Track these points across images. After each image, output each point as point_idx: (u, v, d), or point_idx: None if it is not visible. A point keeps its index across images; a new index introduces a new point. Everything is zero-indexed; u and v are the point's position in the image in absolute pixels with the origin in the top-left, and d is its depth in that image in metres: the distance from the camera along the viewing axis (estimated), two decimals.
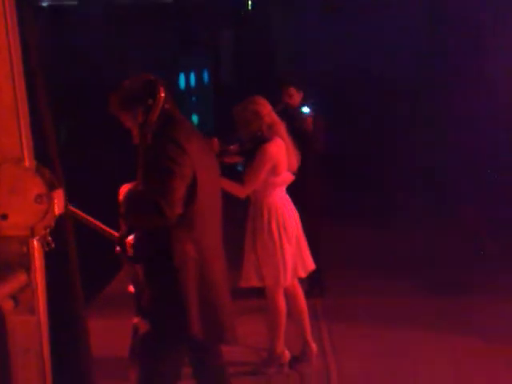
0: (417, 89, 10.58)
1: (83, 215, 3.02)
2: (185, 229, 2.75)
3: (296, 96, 5.32)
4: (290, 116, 4.93)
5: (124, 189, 2.92)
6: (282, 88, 5.36)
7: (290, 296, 4.31)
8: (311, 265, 4.28)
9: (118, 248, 2.90)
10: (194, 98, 15.54)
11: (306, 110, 5.35)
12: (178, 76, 14.42)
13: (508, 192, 7.86)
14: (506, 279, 5.81)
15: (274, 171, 4.05)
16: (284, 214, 4.12)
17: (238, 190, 4.03)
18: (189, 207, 2.74)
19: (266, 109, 4.10)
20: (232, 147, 4.27)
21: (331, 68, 11.83)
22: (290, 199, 4.24)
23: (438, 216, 7.88)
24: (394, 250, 6.88)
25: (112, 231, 3.03)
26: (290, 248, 4.10)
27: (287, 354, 4.29)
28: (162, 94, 2.84)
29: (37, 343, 2.25)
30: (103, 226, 3.06)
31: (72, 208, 2.89)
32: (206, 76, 16.08)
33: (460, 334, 4.76)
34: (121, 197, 2.89)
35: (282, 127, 4.13)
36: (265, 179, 4.04)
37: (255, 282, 4.17)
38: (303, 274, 4.26)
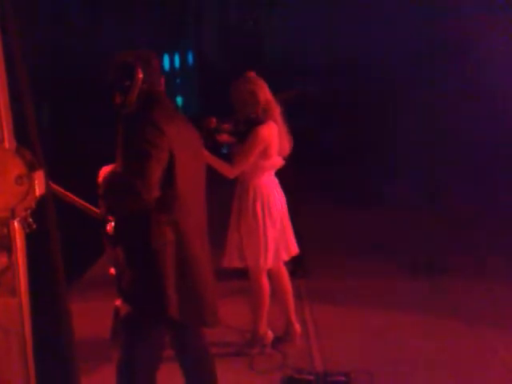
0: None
1: (65, 192, 3.01)
2: (164, 212, 2.75)
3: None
4: None
5: (103, 170, 2.91)
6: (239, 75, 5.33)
7: (274, 276, 4.33)
8: (295, 249, 4.30)
9: (106, 228, 2.89)
10: (178, 80, 15.47)
11: None
12: (162, 57, 14.33)
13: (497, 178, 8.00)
14: (492, 263, 5.91)
15: (265, 154, 4.05)
16: (270, 196, 4.12)
17: (227, 170, 4.04)
18: (167, 190, 2.73)
19: (262, 91, 4.08)
20: (226, 126, 4.26)
21: (322, 52, 11.85)
22: (278, 183, 4.24)
23: (424, 200, 7.95)
24: (377, 233, 6.97)
25: (94, 209, 3.02)
26: (273, 231, 4.11)
27: (270, 335, 4.33)
28: (140, 76, 2.82)
29: (18, 325, 2.25)
30: (85, 204, 3.05)
31: (54, 185, 2.88)
32: (190, 57, 16.00)
33: (445, 316, 4.81)
34: (100, 178, 2.88)
35: (277, 111, 4.12)
36: (255, 162, 4.04)
37: (237, 263, 4.19)
38: (286, 258, 4.28)
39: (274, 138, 4.07)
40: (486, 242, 6.52)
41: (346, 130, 10.49)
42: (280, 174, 4.29)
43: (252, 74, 4.15)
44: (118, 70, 2.85)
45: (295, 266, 5.09)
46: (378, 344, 4.39)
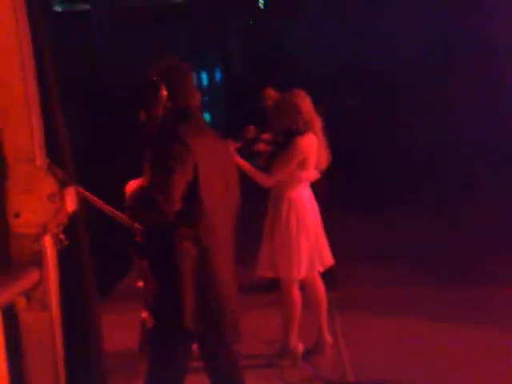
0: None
1: (96, 199, 3.07)
2: (187, 226, 2.79)
3: (276, 97, 5.28)
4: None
5: (130, 184, 2.97)
6: (262, 91, 5.40)
7: (309, 288, 4.38)
8: (329, 260, 4.33)
9: (135, 239, 2.95)
10: (206, 98, 15.61)
11: None
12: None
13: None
14: None
15: (302, 166, 4.11)
16: (304, 208, 4.17)
17: (264, 180, 4.12)
18: (192, 205, 2.77)
19: (305, 104, 4.15)
20: (265, 135, 4.33)
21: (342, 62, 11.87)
22: (312, 194, 4.29)
23: (443, 206, 7.89)
24: (400, 240, 6.86)
25: (124, 217, 3.08)
26: (306, 243, 4.14)
27: (300, 347, 4.33)
28: (164, 92, 2.87)
29: (49, 339, 2.29)
30: (115, 211, 3.10)
31: (85, 192, 2.94)
32: (217, 75, 16.13)
33: (475, 324, 4.76)
34: (127, 192, 2.94)
35: (317, 124, 4.19)
36: (291, 173, 4.10)
37: (269, 273, 4.24)
38: (321, 269, 4.31)
39: (313, 150, 4.13)
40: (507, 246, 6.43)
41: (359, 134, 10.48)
42: (315, 185, 4.34)
43: (297, 90, 4.23)
44: (144, 87, 2.92)
45: (328, 277, 5.09)
46: (410, 353, 4.37)
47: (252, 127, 4.27)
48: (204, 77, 15.69)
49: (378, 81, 11.40)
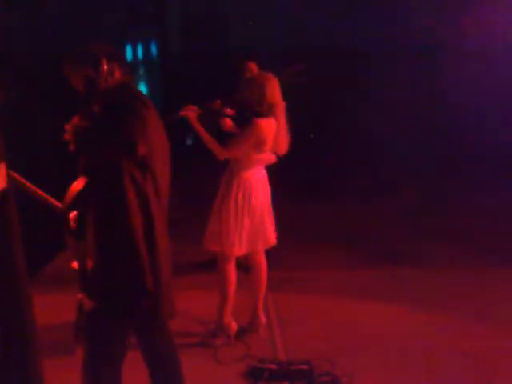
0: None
1: (27, 184, 2.99)
2: (139, 192, 2.78)
3: (255, 72, 5.30)
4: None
5: (75, 186, 2.90)
6: (242, 62, 5.34)
7: (253, 266, 4.45)
8: (272, 239, 4.39)
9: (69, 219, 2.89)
10: (141, 71, 15.34)
11: None
12: (124, 48, 14.18)
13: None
14: (448, 251, 6.09)
15: (257, 148, 4.14)
16: (253, 189, 4.21)
17: (218, 151, 4.17)
18: (142, 169, 2.78)
19: (271, 88, 4.15)
20: (229, 110, 4.31)
21: (286, 42, 11.84)
22: (266, 177, 4.34)
23: (382, 191, 8.08)
24: (338, 224, 7.04)
25: (55, 202, 3.01)
26: (249, 221, 4.20)
27: (234, 326, 4.37)
28: (105, 67, 2.84)
29: None
30: (47, 196, 3.03)
31: (15, 175, 2.86)
32: (153, 48, 15.87)
33: (405, 304, 4.91)
34: (69, 134, 2.86)
35: (280, 109, 4.19)
36: (246, 153, 4.14)
37: (214, 246, 4.28)
38: (262, 247, 4.37)
39: (270, 135, 4.14)
40: (443, 230, 6.68)
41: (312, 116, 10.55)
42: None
43: (268, 73, 4.25)
44: (83, 61, 2.86)
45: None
46: (340, 333, 4.47)
47: (218, 101, 4.30)
48: (139, 50, 15.42)
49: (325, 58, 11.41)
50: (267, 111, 4.15)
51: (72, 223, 2.86)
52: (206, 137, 4.17)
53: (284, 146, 4.30)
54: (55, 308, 4.58)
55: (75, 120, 2.88)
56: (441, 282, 5.34)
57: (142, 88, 14.20)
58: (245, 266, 4.69)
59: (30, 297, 2.76)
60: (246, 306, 4.51)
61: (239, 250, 4.23)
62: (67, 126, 2.87)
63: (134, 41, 14.74)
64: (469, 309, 4.79)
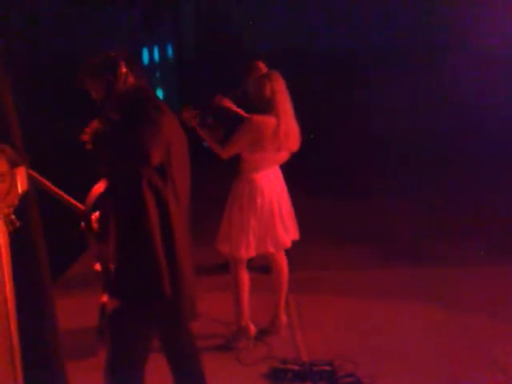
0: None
1: (49, 185, 3.00)
2: (158, 196, 2.77)
3: (264, 71, 5.35)
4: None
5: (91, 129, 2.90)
6: (251, 62, 5.38)
7: (274, 267, 4.42)
8: (285, 242, 4.31)
9: (82, 224, 2.89)
10: (157, 73, 15.40)
11: None
12: (141, 51, 14.25)
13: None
14: (466, 251, 6.00)
15: (255, 146, 4.08)
16: (258, 190, 4.15)
17: (219, 151, 4.15)
18: (161, 173, 2.77)
19: (272, 84, 4.11)
20: (232, 106, 4.31)
21: (296, 47, 11.87)
22: (279, 176, 4.30)
23: (400, 190, 8.03)
24: (359, 224, 7.00)
25: (77, 203, 3.01)
26: (256, 223, 4.14)
27: (252, 328, 4.34)
28: (123, 70, 2.84)
29: (4, 320, 2.25)
30: (68, 198, 3.03)
31: (36, 175, 2.87)
32: (169, 50, 15.93)
33: (429, 304, 4.85)
34: (88, 136, 2.87)
35: (282, 106, 4.12)
36: (248, 154, 4.11)
37: (225, 248, 4.24)
38: (272, 250, 4.30)
39: (268, 132, 4.08)
40: (467, 229, 6.61)
41: (331, 118, 10.55)
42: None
43: (272, 71, 4.25)
44: (100, 65, 2.86)
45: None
46: (363, 333, 4.43)
47: (222, 97, 4.28)
48: (156, 53, 15.48)
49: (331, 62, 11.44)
50: (266, 108, 4.10)
51: (94, 225, 2.86)
52: (207, 137, 4.15)
53: (294, 143, 4.23)
54: (78, 310, 4.58)
55: (95, 123, 2.89)
56: (469, 282, 5.26)
57: (159, 91, 14.25)
58: (265, 266, 4.67)
59: (53, 299, 2.77)
60: (268, 307, 4.49)
61: (246, 252, 4.17)
62: (87, 129, 2.89)
63: (151, 44, 14.81)
64: (492, 309, 4.72)
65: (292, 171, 4.46)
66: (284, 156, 4.28)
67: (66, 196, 3.04)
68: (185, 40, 15.43)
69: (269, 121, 4.09)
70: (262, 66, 5.34)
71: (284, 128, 4.10)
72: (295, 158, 4.35)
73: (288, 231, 4.31)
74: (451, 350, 4.16)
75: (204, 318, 4.48)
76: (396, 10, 10.37)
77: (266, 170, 4.21)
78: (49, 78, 9.51)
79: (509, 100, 8.96)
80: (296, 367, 3.90)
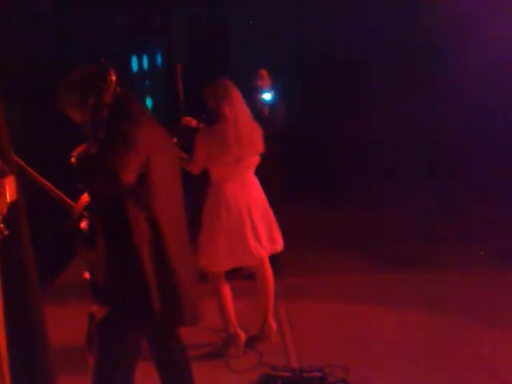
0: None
1: (43, 180, 2.98)
2: (141, 207, 2.76)
3: (266, 79, 5.46)
4: (253, 99, 5.04)
5: (76, 153, 2.90)
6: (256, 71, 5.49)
7: (258, 275, 4.42)
8: (252, 258, 4.25)
9: (80, 226, 2.89)
10: (147, 81, 15.38)
11: (266, 97, 5.45)
12: (130, 59, 14.24)
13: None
14: (456, 255, 6.03)
15: (210, 157, 4.07)
16: (223, 201, 4.14)
17: (188, 167, 4.10)
18: (144, 185, 2.76)
19: (216, 93, 4.11)
20: (201, 125, 4.33)
21: (290, 51, 11.89)
22: (252, 185, 4.27)
23: (391, 196, 8.06)
24: (350, 229, 7.02)
25: (70, 201, 3.00)
26: (223, 237, 4.13)
27: (242, 335, 4.34)
28: (113, 77, 2.83)
29: None
30: (61, 194, 3.02)
31: (32, 171, 2.87)
32: (159, 59, 15.92)
33: (417, 308, 4.88)
34: (73, 160, 2.87)
35: (229, 114, 4.08)
36: (213, 162, 4.08)
37: (202, 261, 4.19)
38: (245, 262, 4.30)
39: (215, 142, 4.06)
40: (456, 234, 6.64)
41: (319, 124, 10.55)
42: (262, 173, 4.34)
43: (222, 80, 4.21)
44: (91, 72, 2.85)
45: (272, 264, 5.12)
46: (353, 339, 4.44)
47: (189, 118, 4.33)
48: (145, 61, 15.47)
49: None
50: (214, 117, 4.10)
51: (84, 226, 2.86)
52: (181, 156, 4.02)
53: (256, 147, 4.21)
54: (67, 318, 4.57)
55: (81, 148, 2.89)
56: (455, 287, 5.29)
57: (148, 100, 14.24)
58: (250, 274, 4.66)
59: (43, 307, 2.76)
60: (258, 313, 4.49)
61: (217, 266, 4.16)
62: (73, 153, 2.89)
63: (140, 52, 14.80)
64: (485, 314, 4.73)
65: (285, 178, 4.47)
66: (252, 162, 4.24)
67: (59, 192, 3.02)
68: (174, 48, 15.44)
69: (213, 132, 4.09)
70: (265, 74, 5.44)
71: (232, 135, 4.07)
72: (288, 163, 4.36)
73: (262, 242, 4.25)
74: (445, 356, 4.17)
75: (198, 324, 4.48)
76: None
77: (233, 181, 4.17)
78: (31, 88, 9.48)
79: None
80: (286, 374, 3.91)
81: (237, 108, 4.12)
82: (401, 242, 6.55)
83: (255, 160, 4.26)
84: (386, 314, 4.82)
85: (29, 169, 2.89)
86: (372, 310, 4.92)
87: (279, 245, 4.38)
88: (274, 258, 4.57)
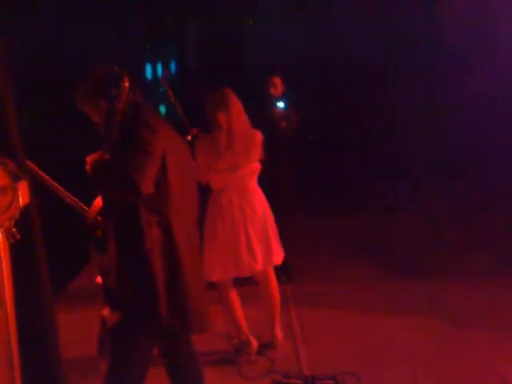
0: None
1: (57, 186, 2.99)
2: (154, 213, 2.76)
3: (279, 87, 5.45)
4: (265, 107, 5.05)
5: (91, 159, 2.91)
6: (268, 76, 5.46)
7: (261, 284, 4.38)
8: (247, 270, 4.19)
9: (94, 233, 2.90)
10: (161, 89, 15.46)
11: (280, 105, 5.45)
12: (144, 66, 14.32)
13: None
14: (467, 263, 6.01)
15: (207, 166, 4.07)
16: (218, 211, 4.13)
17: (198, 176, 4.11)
18: (159, 191, 2.75)
19: (211, 103, 4.13)
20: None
21: (300, 58, 11.89)
22: (253, 198, 4.21)
23: (401, 203, 8.04)
24: (361, 237, 7.01)
25: (83, 206, 3.01)
26: (217, 245, 4.11)
27: (254, 342, 4.32)
28: (126, 84, 2.84)
29: (4, 335, 2.25)
30: (75, 200, 3.03)
31: (46, 176, 2.88)
32: (172, 66, 15.99)
33: (430, 316, 4.84)
34: (88, 166, 2.88)
35: (223, 123, 4.08)
36: (212, 172, 4.09)
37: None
38: (242, 273, 4.23)
39: (210, 150, 4.07)
40: (468, 241, 6.60)
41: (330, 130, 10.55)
42: (270, 179, 4.34)
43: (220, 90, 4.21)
44: (103, 78, 2.86)
45: (280, 272, 5.11)
46: (365, 347, 4.40)
47: (195, 129, 4.29)
48: (159, 68, 15.54)
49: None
50: (210, 126, 4.12)
51: (97, 236, 2.87)
52: None
53: (253, 154, 4.15)
54: (80, 324, 4.58)
55: (96, 154, 2.90)
56: (466, 295, 5.25)
57: (161, 107, 14.30)
58: (253, 281, 4.62)
59: (55, 311, 2.77)
60: (267, 321, 4.46)
61: (210, 275, 4.07)
62: (88, 158, 2.90)
63: (154, 59, 14.88)
64: (496, 323, 4.69)
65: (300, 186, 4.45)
66: (250, 169, 4.20)
67: (71, 196, 3.04)
68: (188, 56, 15.51)
69: (208, 138, 4.11)
70: (278, 81, 5.42)
71: (224, 143, 4.08)
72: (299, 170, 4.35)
73: (256, 256, 4.18)
74: (454, 363, 4.13)
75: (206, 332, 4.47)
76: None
77: (230, 189, 4.16)
78: (48, 94, 9.55)
79: None
80: (298, 381, 3.89)
81: (232, 117, 4.11)
82: (413, 249, 6.51)
83: (254, 167, 4.22)
84: (398, 322, 4.79)
85: (42, 173, 2.90)
86: (384, 317, 4.88)
87: (278, 256, 4.33)
88: (287, 265, 4.55)
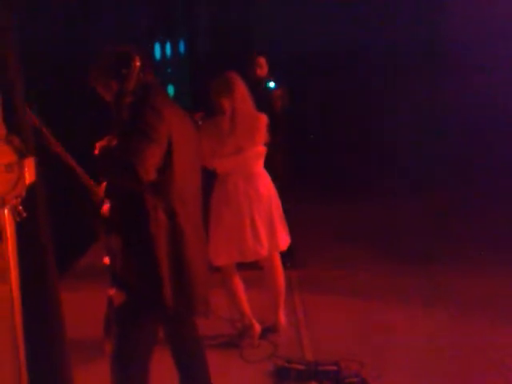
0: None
1: (71, 160, 2.97)
2: (160, 197, 2.74)
3: (265, 67, 5.39)
4: (258, 90, 4.98)
5: (100, 144, 2.89)
6: (253, 57, 5.39)
7: (266, 268, 4.37)
8: (252, 254, 4.19)
9: (102, 211, 2.88)
10: (169, 69, 15.38)
11: (271, 84, 5.40)
12: (153, 46, 14.25)
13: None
14: (472, 251, 5.98)
15: (214, 151, 4.05)
16: (223, 196, 4.12)
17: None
18: (165, 174, 2.73)
19: (215, 86, 4.11)
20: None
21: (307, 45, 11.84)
22: (259, 184, 4.20)
23: (407, 191, 8.03)
24: (367, 222, 7.00)
25: (93, 183, 2.99)
26: (222, 230, 4.10)
27: (257, 327, 4.32)
28: (137, 63, 2.81)
29: (8, 311, 2.24)
30: (85, 175, 3.01)
31: (59, 147, 2.86)
32: (182, 46, 15.91)
33: (433, 302, 4.84)
34: (96, 151, 2.86)
35: (228, 106, 4.07)
36: (216, 155, 4.07)
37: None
38: (245, 258, 4.22)
39: (213, 134, 4.05)
40: (472, 231, 6.59)
41: (334, 118, 10.54)
42: (268, 162, 4.29)
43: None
44: (114, 58, 2.83)
45: (285, 257, 5.10)
46: (369, 333, 4.40)
47: (201, 113, 4.26)
48: (168, 48, 15.48)
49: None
50: (215, 110, 4.09)
51: (105, 211, 2.86)
52: None
53: (258, 137, 4.13)
54: (87, 303, 4.59)
55: (105, 140, 2.87)
56: (472, 284, 5.23)
57: (170, 87, 14.25)
58: (258, 266, 4.60)
59: (59, 290, 2.76)
60: (271, 305, 4.46)
61: (215, 260, 4.06)
62: (97, 144, 2.88)
63: (163, 39, 14.81)
64: (500, 313, 4.66)
65: (301, 171, 4.43)
66: (255, 152, 4.17)
67: (82, 171, 3.02)
68: (198, 36, 15.42)
69: (211, 122, 4.09)
70: (263, 62, 5.36)
71: (227, 127, 4.06)
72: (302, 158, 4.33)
73: (261, 241, 4.17)
74: (458, 351, 4.12)
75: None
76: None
77: (237, 173, 4.14)
78: (60, 77, 9.53)
79: None
80: (301, 367, 3.88)
81: (236, 102, 4.08)
82: (417, 235, 6.52)
83: (259, 151, 4.20)
84: (401, 308, 4.78)
85: (54, 141, 2.86)
86: (388, 303, 4.87)
87: (284, 241, 4.32)
88: (291, 250, 4.53)
